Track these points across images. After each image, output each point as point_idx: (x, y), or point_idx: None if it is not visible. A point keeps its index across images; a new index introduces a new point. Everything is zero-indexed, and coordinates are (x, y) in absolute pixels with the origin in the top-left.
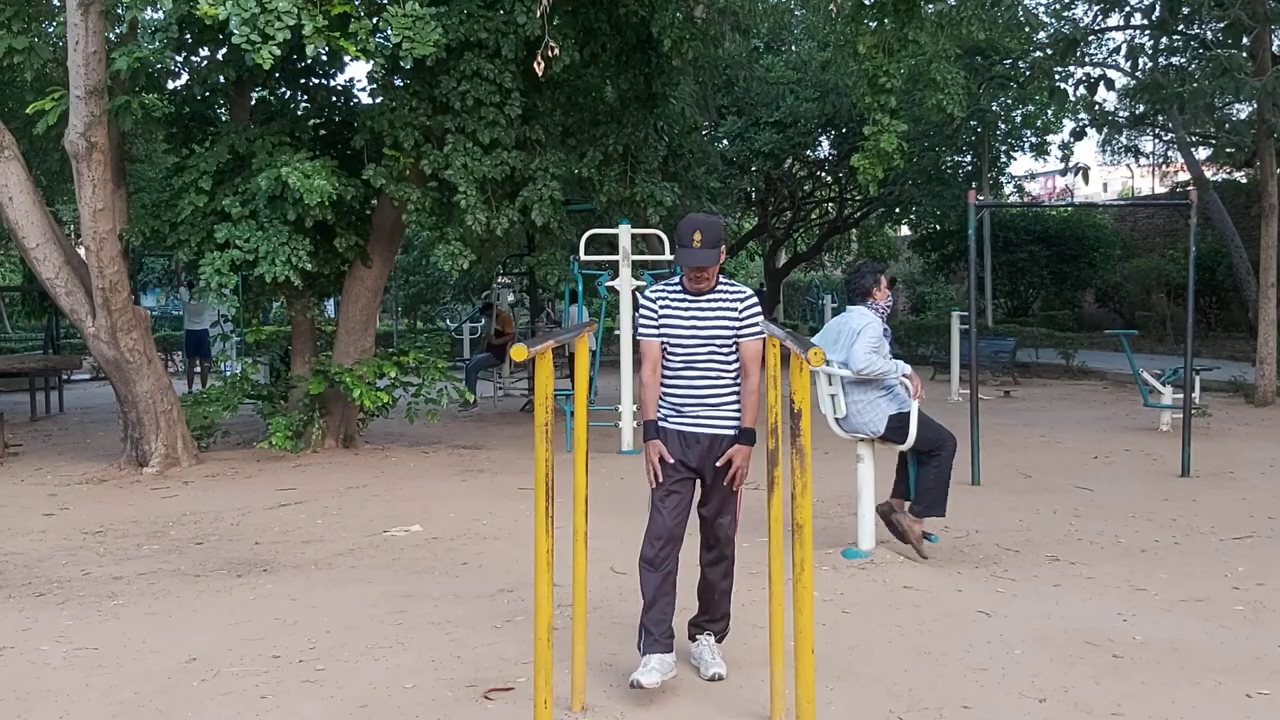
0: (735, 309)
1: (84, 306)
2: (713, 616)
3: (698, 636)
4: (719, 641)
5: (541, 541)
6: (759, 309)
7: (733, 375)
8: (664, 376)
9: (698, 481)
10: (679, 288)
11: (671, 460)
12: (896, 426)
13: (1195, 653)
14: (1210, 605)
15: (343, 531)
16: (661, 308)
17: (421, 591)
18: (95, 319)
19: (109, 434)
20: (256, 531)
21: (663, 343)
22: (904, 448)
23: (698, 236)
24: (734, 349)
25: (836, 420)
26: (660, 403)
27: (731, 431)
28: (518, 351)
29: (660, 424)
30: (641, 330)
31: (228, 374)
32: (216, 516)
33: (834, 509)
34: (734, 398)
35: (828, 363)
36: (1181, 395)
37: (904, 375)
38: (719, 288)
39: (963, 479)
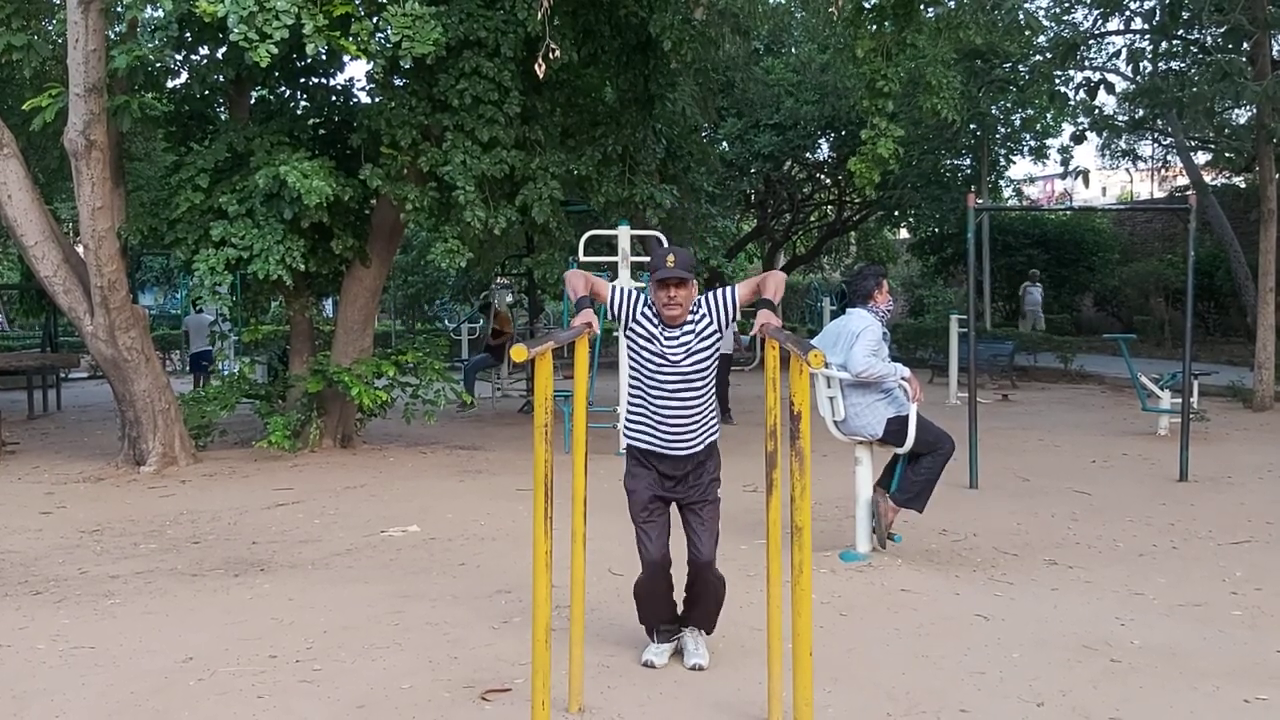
0: (709, 321)
1: (82, 305)
2: (699, 620)
3: (688, 628)
4: (707, 634)
5: (540, 542)
6: (713, 291)
7: (708, 398)
8: (634, 393)
9: (674, 504)
10: (658, 315)
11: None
12: (895, 429)
13: (1193, 657)
14: (1208, 610)
15: (340, 531)
16: (640, 314)
17: (419, 592)
18: (93, 317)
19: (106, 432)
20: (254, 531)
21: (632, 361)
22: (903, 450)
23: (671, 259)
24: (711, 375)
25: (835, 423)
26: (629, 416)
27: (706, 445)
28: (518, 352)
29: (628, 440)
30: (614, 290)
31: (226, 373)
32: (214, 516)
33: (832, 511)
34: (710, 415)
35: (826, 365)
36: (1180, 400)
37: (903, 378)
38: (688, 319)
39: (961, 482)
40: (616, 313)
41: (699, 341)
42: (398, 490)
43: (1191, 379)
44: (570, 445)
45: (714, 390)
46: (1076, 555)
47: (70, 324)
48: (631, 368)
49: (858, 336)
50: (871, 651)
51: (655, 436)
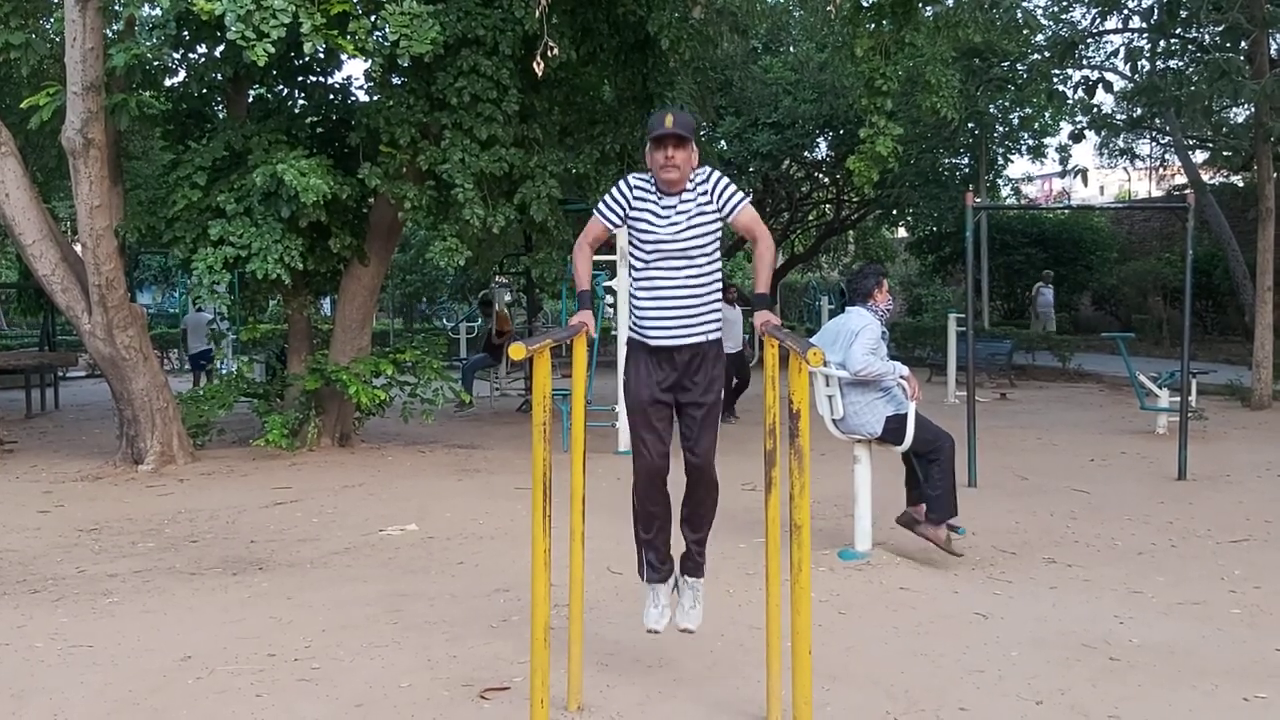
0: (706, 195)
1: (80, 303)
2: (697, 562)
3: (686, 578)
4: (700, 576)
5: (539, 541)
6: (726, 179)
7: (711, 282)
8: (636, 285)
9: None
10: (654, 185)
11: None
12: (894, 428)
13: (1192, 656)
14: (1207, 608)
15: (338, 530)
16: (636, 200)
17: (417, 591)
18: (91, 316)
19: (104, 431)
20: (252, 530)
21: (634, 258)
22: (901, 449)
23: (670, 118)
24: (714, 256)
25: (834, 421)
26: (633, 314)
27: (709, 338)
28: (516, 350)
29: (632, 338)
30: (601, 209)
31: (224, 372)
32: (212, 514)
33: (830, 510)
34: (713, 303)
35: (825, 363)
36: (1178, 398)
37: (901, 376)
38: (687, 187)
39: (959, 481)
40: (617, 215)
41: (699, 212)
42: (396, 489)
43: (1190, 377)
44: (569, 444)
45: (717, 281)
46: (1075, 554)
47: (68, 322)
48: (634, 267)
49: (856, 335)
50: (870, 650)
51: (655, 327)
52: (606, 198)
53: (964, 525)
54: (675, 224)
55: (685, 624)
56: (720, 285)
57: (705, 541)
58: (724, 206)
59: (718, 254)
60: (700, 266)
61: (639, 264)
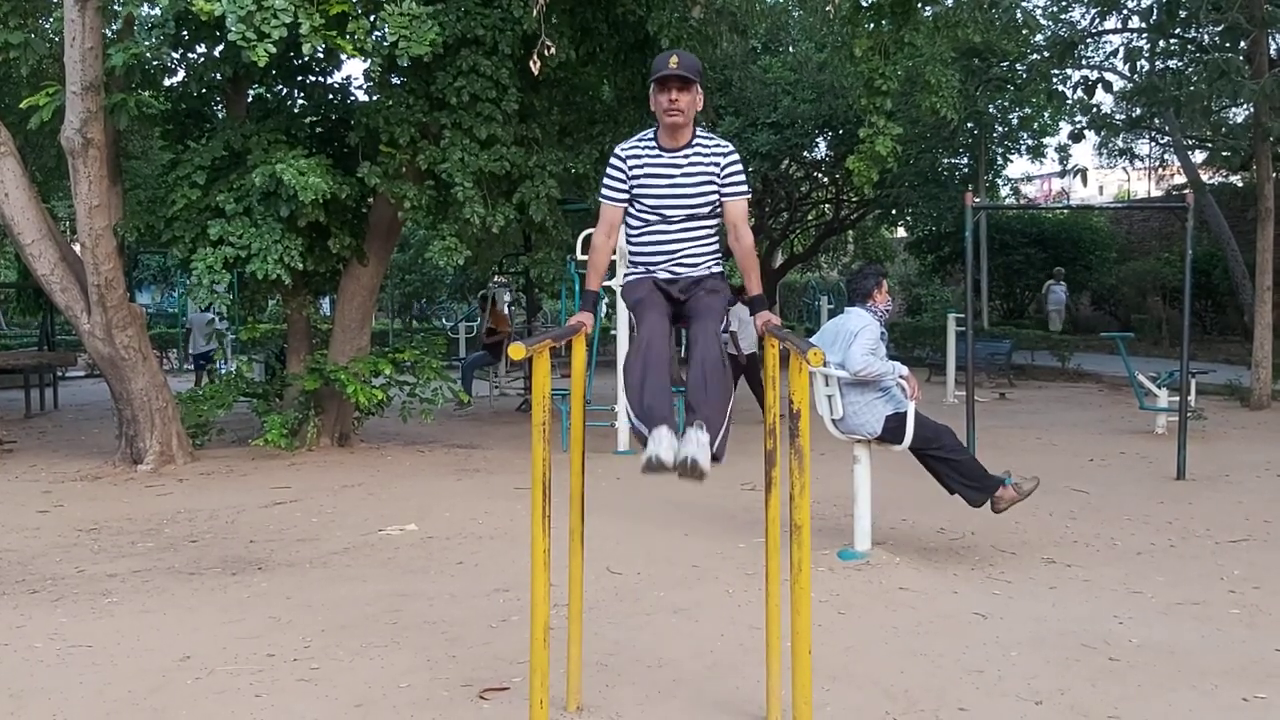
0: (717, 164)
1: (79, 303)
2: (705, 413)
3: (690, 429)
4: (712, 446)
5: (538, 541)
6: (740, 164)
7: (711, 237)
8: (637, 241)
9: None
10: (652, 141)
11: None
12: (893, 427)
13: (1191, 656)
14: (1206, 608)
15: (338, 530)
16: (633, 168)
17: (417, 591)
18: (90, 315)
19: (104, 431)
20: (251, 530)
21: (634, 206)
22: (901, 448)
23: (674, 60)
24: (715, 213)
25: (833, 421)
26: (634, 267)
27: (712, 272)
28: (515, 350)
29: (629, 277)
30: (604, 192)
31: (223, 372)
32: (211, 514)
33: (830, 510)
34: (715, 249)
35: (825, 363)
36: (1177, 398)
37: (900, 376)
38: (696, 141)
39: None
40: (621, 188)
41: (706, 179)
42: (395, 489)
43: (1189, 377)
44: (568, 444)
45: (716, 232)
46: (1074, 554)
47: (67, 322)
48: (633, 220)
49: (856, 335)
50: (870, 650)
51: (649, 270)
52: (605, 180)
53: (965, 524)
54: (678, 183)
55: (690, 452)
56: (718, 234)
57: (712, 417)
58: (724, 186)
59: (716, 224)
60: (702, 220)
61: (637, 221)
